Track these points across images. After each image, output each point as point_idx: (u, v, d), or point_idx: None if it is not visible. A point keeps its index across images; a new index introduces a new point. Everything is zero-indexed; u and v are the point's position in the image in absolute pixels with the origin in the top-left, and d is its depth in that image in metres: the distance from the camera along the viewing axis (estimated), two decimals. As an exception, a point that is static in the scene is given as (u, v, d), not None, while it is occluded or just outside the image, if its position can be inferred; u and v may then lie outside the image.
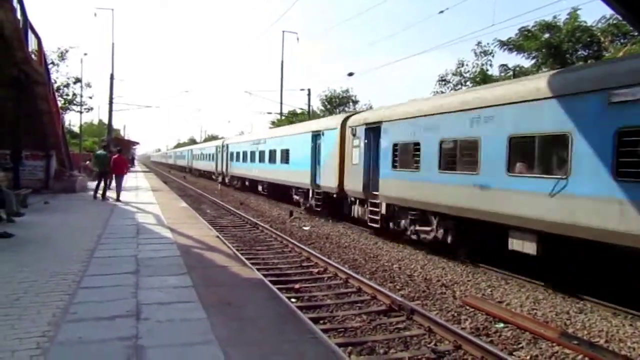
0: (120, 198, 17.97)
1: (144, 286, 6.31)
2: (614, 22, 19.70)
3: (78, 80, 33.72)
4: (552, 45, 21.66)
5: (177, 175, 57.13)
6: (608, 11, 18.52)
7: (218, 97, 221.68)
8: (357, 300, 8.36)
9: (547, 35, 22.16)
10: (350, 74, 28.13)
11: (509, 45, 23.50)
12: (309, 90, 40.79)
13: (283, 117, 45.32)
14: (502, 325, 7.23)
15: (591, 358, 6.09)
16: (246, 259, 9.95)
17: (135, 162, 64.14)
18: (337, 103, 44.55)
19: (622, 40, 20.17)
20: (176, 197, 21.97)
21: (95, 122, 61.38)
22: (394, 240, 13.92)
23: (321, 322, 7.17)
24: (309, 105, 41.30)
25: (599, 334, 6.97)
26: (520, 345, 6.54)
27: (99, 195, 18.37)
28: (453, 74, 28.80)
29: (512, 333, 6.93)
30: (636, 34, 17.17)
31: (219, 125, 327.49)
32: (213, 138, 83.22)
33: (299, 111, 44.45)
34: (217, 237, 10.96)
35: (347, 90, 44.14)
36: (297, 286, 9.12)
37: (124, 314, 5.13)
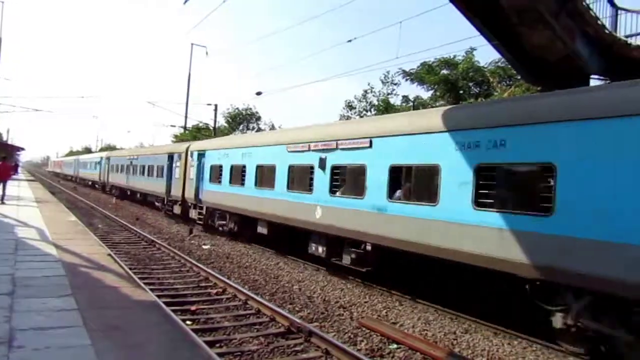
0: (5, 201, 19.48)
1: (20, 309, 5.73)
2: (502, 65, 21.69)
3: None
4: (450, 81, 23.34)
5: (67, 186, 53.00)
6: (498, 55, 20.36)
7: (118, 105, 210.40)
8: (256, 322, 8.24)
9: (445, 71, 23.83)
10: (259, 93, 28.02)
11: (411, 76, 24.95)
12: (215, 105, 39.99)
13: (187, 131, 44.07)
14: (395, 346, 7.48)
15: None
16: (139, 278, 9.41)
17: (19, 169, 58.42)
18: (240, 120, 44.25)
19: (507, 82, 22.24)
20: (64, 210, 20.37)
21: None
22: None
23: (217, 345, 6.99)
24: (215, 121, 40.51)
25: (481, 353, 7.46)
26: (412, 366, 6.80)
27: None
28: (359, 101, 29.92)
29: (404, 354, 7.20)
30: (519, 77, 19.00)
31: (118, 135, 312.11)
32: (110, 148, 78.28)
33: (202, 126, 43.36)
34: (109, 255, 10.29)
35: (250, 108, 44.18)
36: (193, 308, 8.80)
37: (-7, 341, 4.59)
